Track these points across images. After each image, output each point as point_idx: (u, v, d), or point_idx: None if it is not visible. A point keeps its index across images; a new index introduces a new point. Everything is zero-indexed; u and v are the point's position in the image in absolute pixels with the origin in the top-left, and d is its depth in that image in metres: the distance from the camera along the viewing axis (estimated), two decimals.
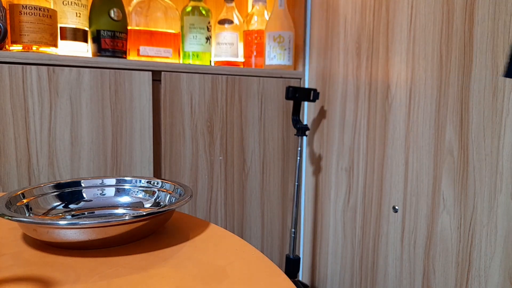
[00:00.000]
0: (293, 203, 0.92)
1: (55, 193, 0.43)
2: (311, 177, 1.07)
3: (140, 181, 0.47)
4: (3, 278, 0.27)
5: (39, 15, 0.74)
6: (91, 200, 0.45)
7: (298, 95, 0.89)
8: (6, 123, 0.72)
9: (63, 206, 0.42)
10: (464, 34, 0.64)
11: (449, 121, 0.68)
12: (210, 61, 1.02)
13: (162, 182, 0.45)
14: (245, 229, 1.02)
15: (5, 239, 0.35)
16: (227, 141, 0.96)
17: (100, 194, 0.46)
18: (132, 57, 0.90)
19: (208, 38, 0.98)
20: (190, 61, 0.97)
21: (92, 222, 0.30)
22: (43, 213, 0.40)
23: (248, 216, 1.02)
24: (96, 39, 0.83)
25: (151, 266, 0.29)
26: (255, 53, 1.07)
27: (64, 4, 0.80)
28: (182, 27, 0.96)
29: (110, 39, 0.83)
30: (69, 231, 0.31)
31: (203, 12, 0.96)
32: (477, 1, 0.62)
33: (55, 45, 0.78)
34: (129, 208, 0.44)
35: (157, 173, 0.89)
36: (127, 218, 0.31)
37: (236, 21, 1.04)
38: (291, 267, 0.93)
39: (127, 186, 0.46)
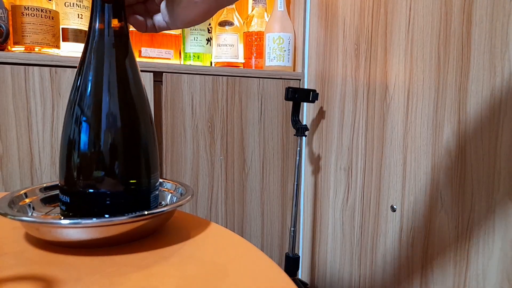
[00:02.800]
0: (293, 202, 0.93)
1: (57, 193, 0.43)
2: (310, 177, 1.08)
3: None
4: (6, 277, 0.27)
5: (41, 16, 0.75)
6: None
7: (297, 95, 0.89)
8: (9, 123, 0.73)
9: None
10: (462, 35, 0.65)
11: (446, 122, 0.68)
12: (211, 62, 1.02)
13: (163, 181, 0.46)
14: (245, 228, 1.02)
15: (7, 238, 0.35)
16: (228, 141, 0.97)
17: None
18: None
19: (208, 40, 0.98)
20: (191, 62, 0.97)
21: (94, 221, 0.31)
22: (46, 213, 0.40)
23: (248, 215, 1.02)
24: None
25: (152, 264, 0.30)
26: (255, 55, 1.08)
27: (66, 5, 0.81)
28: (183, 29, 0.97)
29: None
30: (71, 230, 0.31)
31: None
32: (475, 3, 0.63)
33: (57, 46, 0.79)
34: None
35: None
36: (129, 217, 0.32)
37: (236, 23, 1.04)
38: (290, 265, 0.94)
39: None
